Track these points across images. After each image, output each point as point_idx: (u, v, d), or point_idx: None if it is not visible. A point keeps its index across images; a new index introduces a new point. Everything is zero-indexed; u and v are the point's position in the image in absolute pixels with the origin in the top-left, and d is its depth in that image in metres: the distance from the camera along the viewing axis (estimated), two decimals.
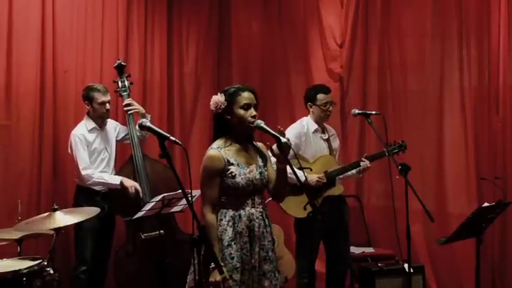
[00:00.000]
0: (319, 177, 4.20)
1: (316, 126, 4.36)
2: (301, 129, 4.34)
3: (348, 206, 4.58)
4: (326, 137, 4.42)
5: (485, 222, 3.78)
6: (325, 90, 4.38)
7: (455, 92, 5.19)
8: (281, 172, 2.91)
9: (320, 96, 4.33)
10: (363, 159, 4.30)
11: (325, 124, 4.45)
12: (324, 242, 4.46)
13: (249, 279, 2.88)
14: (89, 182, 4.31)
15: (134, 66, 5.15)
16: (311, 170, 4.22)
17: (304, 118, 4.42)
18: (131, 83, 4.69)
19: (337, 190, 4.34)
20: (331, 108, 4.36)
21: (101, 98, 4.36)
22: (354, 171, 4.35)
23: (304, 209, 3.81)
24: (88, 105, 4.40)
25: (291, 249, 5.31)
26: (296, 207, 4.06)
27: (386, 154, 4.22)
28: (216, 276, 2.72)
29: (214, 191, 2.87)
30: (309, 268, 4.22)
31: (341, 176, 4.35)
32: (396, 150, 4.32)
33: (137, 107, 4.55)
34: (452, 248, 4.83)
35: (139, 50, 5.25)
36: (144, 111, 4.56)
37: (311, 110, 4.37)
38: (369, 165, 4.28)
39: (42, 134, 4.69)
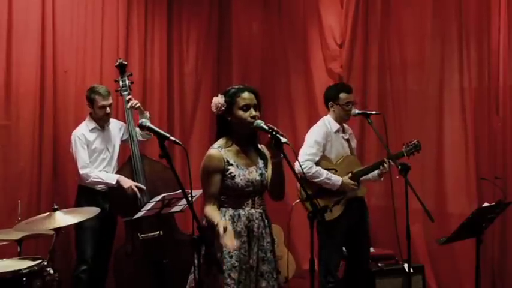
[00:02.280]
0: (354, 184, 4.15)
1: (337, 126, 4.26)
2: (326, 129, 4.22)
3: (368, 208, 4.49)
4: (347, 137, 4.35)
5: (485, 222, 3.77)
6: (348, 89, 4.29)
7: (455, 93, 5.18)
8: (276, 167, 2.88)
9: (342, 95, 4.22)
10: (386, 160, 4.16)
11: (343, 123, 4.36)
12: (345, 243, 4.34)
13: (246, 279, 2.87)
14: (87, 181, 4.32)
15: (134, 66, 5.15)
16: (336, 171, 4.16)
17: (325, 117, 4.32)
18: (132, 82, 4.69)
19: (360, 192, 4.27)
20: (352, 107, 4.25)
21: (101, 101, 4.36)
22: (375, 173, 4.26)
23: (330, 209, 3.83)
24: (90, 107, 4.42)
25: (291, 249, 5.32)
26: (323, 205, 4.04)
27: (405, 155, 4.22)
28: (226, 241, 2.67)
29: (215, 187, 2.85)
30: (333, 271, 4.17)
31: (362, 178, 4.28)
32: (412, 151, 4.26)
33: (137, 102, 4.55)
34: (452, 248, 4.82)
35: (140, 49, 5.25)
36: (142, 108, 4.56)
37: (332, 109, 4.26)
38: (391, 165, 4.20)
39: (42, 134, 4.68)
